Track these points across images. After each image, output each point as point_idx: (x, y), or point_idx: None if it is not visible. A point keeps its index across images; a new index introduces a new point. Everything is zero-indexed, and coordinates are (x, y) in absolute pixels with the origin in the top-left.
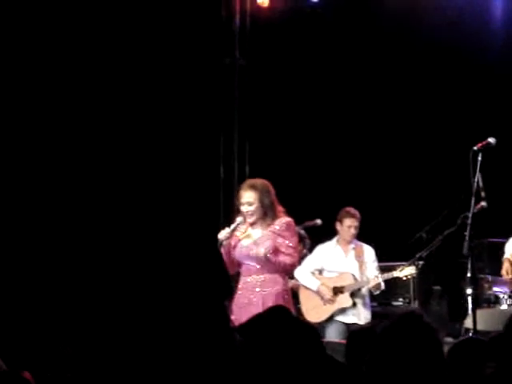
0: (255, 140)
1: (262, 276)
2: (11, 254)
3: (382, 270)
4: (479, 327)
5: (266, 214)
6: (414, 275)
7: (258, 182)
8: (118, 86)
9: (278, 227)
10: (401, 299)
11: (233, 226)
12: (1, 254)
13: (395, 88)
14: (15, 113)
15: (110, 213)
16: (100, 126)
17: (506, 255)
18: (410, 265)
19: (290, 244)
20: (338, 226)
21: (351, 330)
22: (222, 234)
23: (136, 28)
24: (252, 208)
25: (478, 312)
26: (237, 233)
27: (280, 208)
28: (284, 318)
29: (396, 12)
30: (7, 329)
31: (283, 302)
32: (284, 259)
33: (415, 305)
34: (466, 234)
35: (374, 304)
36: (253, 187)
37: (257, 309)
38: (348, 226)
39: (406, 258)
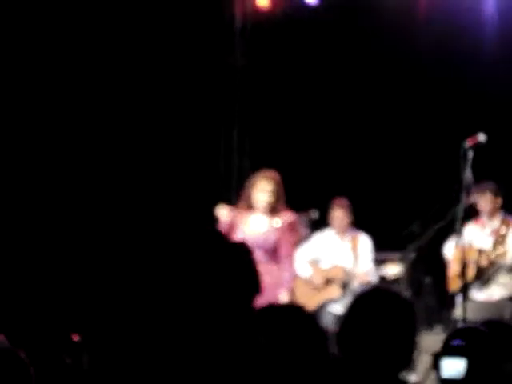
0: (255, 138)
1: (266, 265)
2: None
3: (376, 262)
4: (469, 318)
5: (277, 206)
6: (401, 275)
7: (278, 175)
8: (121, 83)
9: (281, 221)
10: None
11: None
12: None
13: (388, 83)
14: (14, 113)
15: (108, 209)
16: (99, 124)
17: (448, 256)
18: (400, 259)
19: (290, 240)
20: (330, 216)
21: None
22: (223, 214)
23: (139, 27)
24: (271, 198)
25: (468, 303)
26: (244, 220)
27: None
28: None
29: (394, 13)
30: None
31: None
32: (288, 270)
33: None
34: (457, 228)
35: None
36: (274, 179)
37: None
38: (336, 216)
39: (399, 248)
